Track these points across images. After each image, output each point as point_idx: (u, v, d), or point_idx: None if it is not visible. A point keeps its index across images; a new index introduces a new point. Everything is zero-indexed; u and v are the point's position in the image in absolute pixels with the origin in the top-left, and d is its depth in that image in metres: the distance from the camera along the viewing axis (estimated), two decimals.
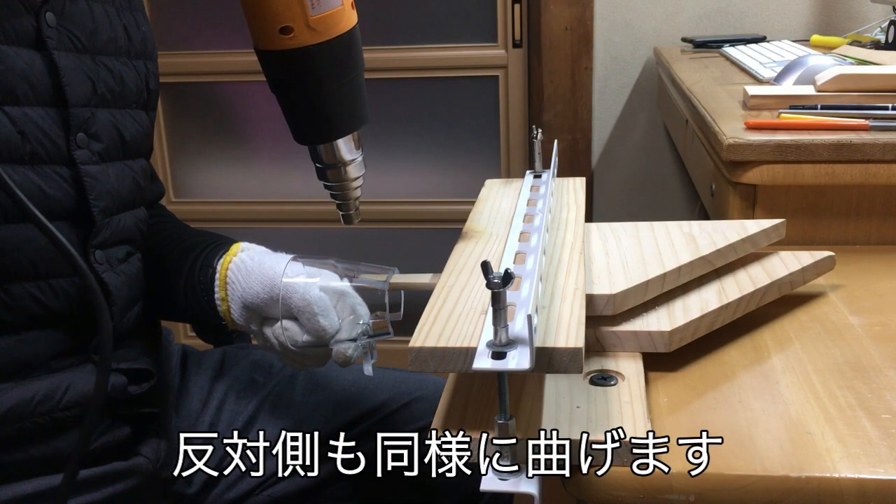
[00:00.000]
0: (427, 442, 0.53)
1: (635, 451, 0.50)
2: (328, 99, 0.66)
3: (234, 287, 0.79)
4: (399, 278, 0.74)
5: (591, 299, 0.62)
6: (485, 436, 0.52)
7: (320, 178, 0.72)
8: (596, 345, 0.63)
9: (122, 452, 0.81)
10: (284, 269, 0.76)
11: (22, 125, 0.69)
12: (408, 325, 0.65)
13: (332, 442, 0.92)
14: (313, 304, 0.73)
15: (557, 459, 0.51)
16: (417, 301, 0.67)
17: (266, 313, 0.77)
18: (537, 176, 0.89)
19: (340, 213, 0.75)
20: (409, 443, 0.94)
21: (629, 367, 0.60)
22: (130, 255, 0.83)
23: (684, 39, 1.77)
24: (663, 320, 0.64)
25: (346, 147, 0.70)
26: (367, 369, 0.75)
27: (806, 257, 0.75)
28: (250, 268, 0.78)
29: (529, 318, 0.48)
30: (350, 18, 0.65)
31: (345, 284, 0.76)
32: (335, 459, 0.92)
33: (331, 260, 0.78)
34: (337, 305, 0.75)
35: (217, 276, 0.80)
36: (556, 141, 0.94)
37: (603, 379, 0.58)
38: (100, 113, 0.76)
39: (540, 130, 0.87)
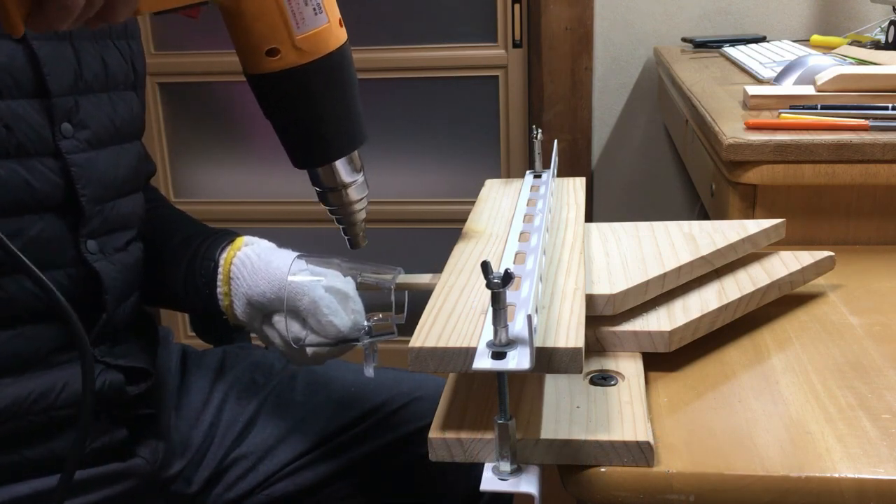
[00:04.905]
0: (427, 442, 0.53)
1: (635, 451, 0.50)
2: (321, 120, 0.65)
3: (238, 283, 0.78)
4: (400, 278, 0.74)
5: (591, 299, 0.62)
6: (485, 436, 0.52)
7: (322, 203, 0.70)
8: (596, 345, 0.63)
9: (120, 454, 0.81)
10: (290, 267, 0.76)
11: (7, 119, 0.69)
12: (408, 325, 0.65)
13: (331, 442, 0.93)
14: (322, 304, 0.73)
15: (557, 459, 0.51)
16: (417, 301, 0.67)
17: (271, 311, 0.77)
18: (537, 176, 0.89)
19: (346, 237, 0.72)
20: (409, 443, 0.94)
21: (629, 367, 0.60)
22: (130, 244, 0.82)
23: (684, 39, 1.77)
24: (663, 320, 0.64)
25: (344, 169, 0.68)
26: (369, 371, 0.75)
27: (806, 257, 0.75)
28: (257, 265, 0.78)
29: (529, 318, 0.48)
30: (338, 36, 0.64)
31: (349, 286, 0.76)
32: (335, 459, 0.93)
33: (336, 259, 0.78)
34: (341, 306, 0.75)
35: (220, 269, 0.80)
36: (556, 141, 0.94)
37: (603, 379, 0.58)
38: (85, 99, 0.76)
39: (540, 130, 0.87)
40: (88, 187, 0.75)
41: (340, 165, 0.68)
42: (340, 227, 0.72)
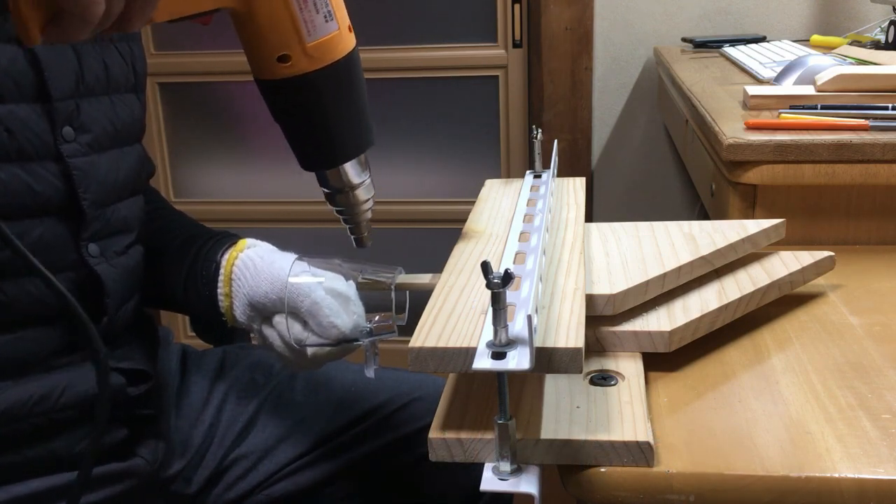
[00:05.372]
0: (427, 442, 0.53)
1: (635, 451, 0.50)
2: (332, 124, 0.66)
3: (239, 284, 0.78)
4: (400, 278, 0.74)
5: (591, 299, 0.62)
6: (485, 436, 0.52)
7: (330, 204, 0.71)
8: (596, 345, 0.63)
9: (120, 454, 0.80)
10: (290, 268, 0.76)
11: (8, 123, 0.69)
12: (409, 324, 0.65)
13: (331, 442, 0.93)
14: (323, 305, 0.73)
15: (557, 459, 0.51)
16: (417, 301, 0.67)
17: (272, 312, 0.77)
18: (537, 176, 0.89)
19: (352, 236, 0.73)
20: (409, 443, 0.94)
21: (629, 367, 0.60)
22: (131, 247, 0.82)
23: (684, 39, 1.77)
24: (663, 320, 0.64)
25: (353, 171, 0.69)
26: (370, 372, 0.75)
27: (806, 257, 0.75)
28: (259, 266, 0.78)
29: (529, 318, 0.48)
30: (348, 42, 0.64)
31: (350, 287, 0.76)
32: (335, 459, 0.93)
33: (336, 260, 0.78)
34: (342, 307, 0.75)
35: (221, 271, 0.80)
36: (556, 141, 0.94)
37: (603, 379, 0.58)
38: (86, 103, 0.75)
39: (540, 130, 0.87)
40: (90, 191, 0.75)
41: (349, 167, 0.69)
42: (347, 226, 0.73)
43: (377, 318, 0.75)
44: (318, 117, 0.65)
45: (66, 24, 0.49)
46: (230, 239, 0.83)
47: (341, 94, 0.65)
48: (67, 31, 0.49)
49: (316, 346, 0.75)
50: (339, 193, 0.70)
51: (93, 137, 0.76)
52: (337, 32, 0.63)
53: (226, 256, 0.80)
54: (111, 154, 0.78)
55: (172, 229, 0.88)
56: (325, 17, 0.62)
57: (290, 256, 0.78)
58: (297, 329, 0.75)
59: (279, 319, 0.76)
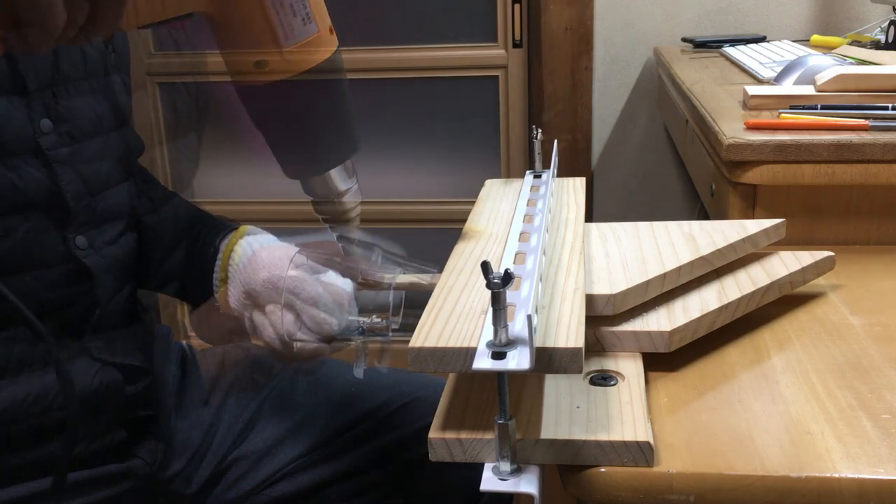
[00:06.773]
0: (427, 442, 0.53)
1: (635, 451, 0.50)
2: (314, 130, 0.65)
3: (236, 271, 0.78)
4: (399, 278, 0.74)
5: (591, 299, 0.62)
6: (485, 436, 0.52)
7: (316, 212, 0.70)
8: (596, 345, 0.63)
9: (119, 455, 0.80)
10: (290, 262, 0.75)
11: None
12: (409, 324, 0.65)
13: (331, 442, 0.93)
14: (319, 301, 0.73)
15: (557, 459, 0.51)
16: (417, 301, 0.67)
17: (266, 302, 0.77)
18: (537, 176, 0.89)
19: (339, 241, 0.73)
20: (409, 443, 0.94)
21: (629, 367, 0.60)
22: (122, 236, 0.81)
23: (684, 39, 1.77)
24: (663, 320, 0.64)
25: (339, 177, 0.68)
26: (359, 372, 0.75)
27: (806, 257, 0.75)
28: (259, 254, 0.77)
29: (529, 318, 0.48)
30: (329, 45, 0.63)
31: (347, 285, 0.76)
32: (335, 460, 0.93)
33: (336, 258, 0.78)
34: (337, 304, 0.75)
35: (220, 256, 0.79)
36: (556, 141, 0.94)
37: (603, 379, 0.58)
38: (63, 92, 0.74)
39: (540, 130, 0.87)
40: (72, 183, 0.74)
41: (335, 174, 0.67)
42: (335, 234, 0.72)
43: (372, 318, 0.75)
44: (299, 124, 0.64)
45: (27, 36, 0.48)
46: (231, 225, 0.82)
47: (323, 98, 0.64)
48: (29, 42, 0.48)
49: (306, 342, 0.74)
50: (326, 202, 0.69)
51: (72, 127, 0.74)
52: (316, 35, 0.61)
53: (225, 241, 0.80)
54: (94, 142, 0.77)
55: (171, 211, 0.88)
56: (304, 19, 0.60)
57: (291, 249, 0.78)
58: (289, 321, 0.74)
59: (272, 309, 0.76)
